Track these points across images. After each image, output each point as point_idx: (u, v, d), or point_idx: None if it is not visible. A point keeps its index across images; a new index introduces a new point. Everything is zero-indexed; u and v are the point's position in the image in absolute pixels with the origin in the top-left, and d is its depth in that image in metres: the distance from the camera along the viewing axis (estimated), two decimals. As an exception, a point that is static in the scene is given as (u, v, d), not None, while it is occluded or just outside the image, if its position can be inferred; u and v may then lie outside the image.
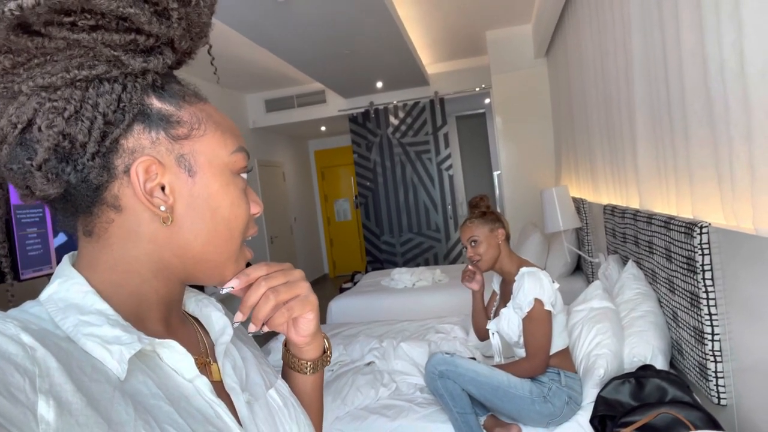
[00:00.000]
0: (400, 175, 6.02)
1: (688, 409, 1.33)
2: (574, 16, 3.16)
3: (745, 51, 1.10)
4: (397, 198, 6.05)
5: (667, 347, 1.77)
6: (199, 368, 0.50)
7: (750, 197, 1.16)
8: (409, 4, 3.84)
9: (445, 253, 6.02)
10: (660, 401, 1.45)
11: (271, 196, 6.50)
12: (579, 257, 3.60)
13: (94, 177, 0.45)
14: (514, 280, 1.82)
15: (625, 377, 1.59)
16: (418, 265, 5.83)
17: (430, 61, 5.52)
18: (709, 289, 1.40)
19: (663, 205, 1.84)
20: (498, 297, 2.04)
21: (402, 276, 4.12)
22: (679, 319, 1.64)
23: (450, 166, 5.96)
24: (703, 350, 1.45)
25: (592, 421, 1.60)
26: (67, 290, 0.46)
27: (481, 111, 6.87)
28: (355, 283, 6.00)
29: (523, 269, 1.81)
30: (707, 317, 1.42)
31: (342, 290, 5.99)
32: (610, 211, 2.49)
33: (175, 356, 0.48)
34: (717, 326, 1.41)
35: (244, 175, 0.54)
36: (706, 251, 1.39)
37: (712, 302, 1.41)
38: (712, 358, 1.42)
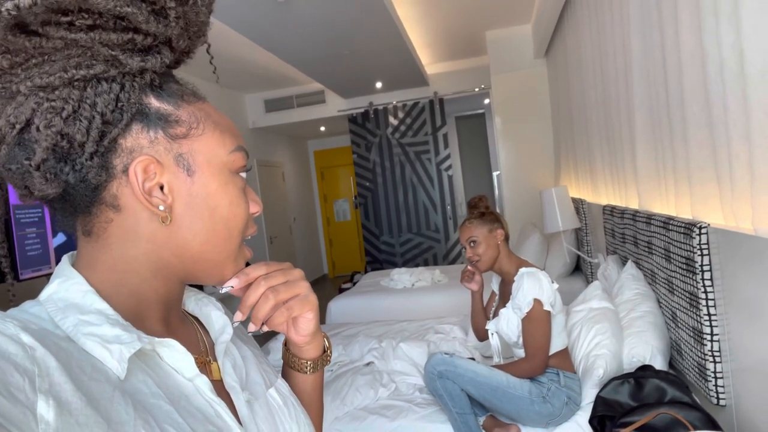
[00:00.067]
0: (400, 175, 6.02)
1: (687, 410, 1.33)
2: (573, 16, 3.16)
3: (744, 52, 1.10)
4: (396, 198, 6.05)
5: (666, 347, 1.77)
6: (199, 367, 0.50)
7: (749, 197, 1.17)
8: (408, 5, 3.84)
9: (444, 253, 6.02)
10: (659, 401, 1.45)
11: (271, 197, 6.50)
12: (578, 257, 3.60)
13: (92, 177, 0.45)
14: (513, 281, 1.82)
15: (624, 377, 1.59)
16: (417, 266, 5.83)
17: (429, 62, 5.52)
18: (708, 289, 1.40)
19: (662, 206, 1.84)
20: (497, 297, 2.04)
21: (401, 276, 4.12)
22: (678, 319, 1.64)
23: (449, 167, 5.96)
24: (702, 351, 1.45)
25: (591, 422, 1.60)
26: (67, 290, 0.46)
27: (481, 111, 6.87)
28: (354, 284, 6.00)
29: (522, 269, 1.81)
30: (706, 318, 1.42)
31: (341, 290, 5.99)
32: (610, 211, 2.49)
33: (175, 355, 0.48)
34: (716, 327, 1.41)
35: (243, 175, 0.54)
36: (705, 252, 1.39)
37: (711, 303, 1.41)
38: (711, 359, 1.42)
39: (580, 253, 3.30)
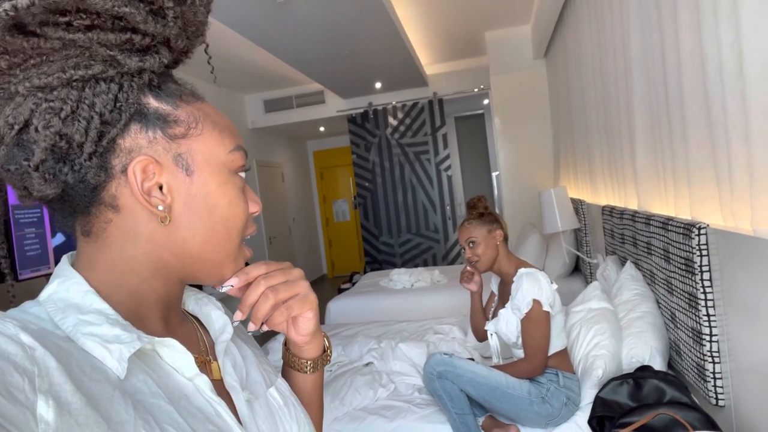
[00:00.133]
0: (399, 175, 6.02)
1: (686, 410, 1.33)
2: (573, 17, 3.16)
3: (743, 52, 1.10)
4: (395, 199, 6.04)
5: (665, 348, 1.77)
6: (199, 367, 0.50)
7: (748, 198, 1.17)
8: (408, 5, 3.84)
9: (443, 253, 6.02)
10: (658, 402, 1.45)
11: (270, 197, 6.50)
12: (577, 258, 3.61)
13: (91, 177, 0.45)
14: (513, 281, 1.83)
15: (623, 378, 1.59)
16: (416, 266, 5.83)
17: (429, 62, 5.52)
18: (707, 290, 1.40)
19: (661, 206, 1.84)
20: (496, 298, 2.04)
21: (400, 277, 4.12)
22: (678, 320, 1.64)
23: (449, 167, 5.96)
24: (701, 351, 1.46)
25: (590, 422, 1.60)
26: (67, 290, 0.46)
27: (480, 112, 6.87)
28: (353, 284, 6.00)
29: (522, 270, 1.81)
30: (705, 318, 1.42)
31: (340, 291, 5.99)
32: (609, 211, 2.49)
33: (175, 355, 0.48)
34: (715, 327, 1.41)
35: (242, 174, 0.54)
36: (704, 252, 1.40)
37: (710, 303, 1.41)
38: (710, 359, 1.42)
39: (579, 253, 3.30)
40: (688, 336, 1.55)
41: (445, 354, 1.86)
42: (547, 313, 1.75)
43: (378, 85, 5.49)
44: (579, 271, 3.69)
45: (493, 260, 1.90)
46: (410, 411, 1.97)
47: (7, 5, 0.38)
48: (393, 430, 1.89)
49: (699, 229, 1.40)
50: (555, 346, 1.81)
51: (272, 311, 0.54)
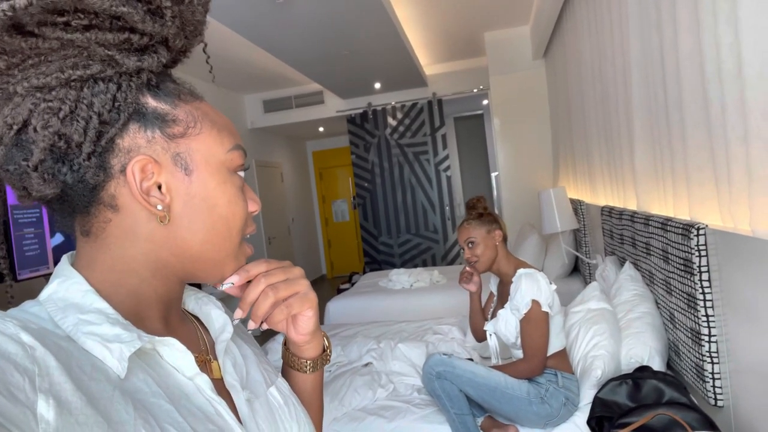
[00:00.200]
0: (398, 176, 6.02)
1: (684, 411, 1.34)
2: (572, 17, 3.16)
3: (742, 53, 1.10)
4: (395, 199, 6.04)
5: (664, 348, 1.77)
6: (199, 366, 0.50)
7: (747, 199, 1.17)
8: (407, 5, 3.84)
9: (442, 254, 6.02)
10: (657, 402, 1.45)
11: (269, 197, 6.50)
12: (576, 258, 3.61)
13: (90, 177, 0.45)
14: (512, 282, 1.83)
15: (622, 378, 1.59)
16: (415, 266, 5.83)
17: (428, 62, 5.53)
18: (706, 290, 1.41)
19: (660, 207, 1.84)
20: (495, 298, 2.04)
21: (400, 277, 4.12)
22: (676, 320, 1.64)
23: (448, 167, 5.96)
24: (699, 351, 1.46)
25: (589, 422, 1.60)
26: (67, 290, 0.46)
27: (479, 112, 6.88)
28: (352, 284, 5.99)
29: (521, 270, 1.81)
30: (704, 319, 1.42)
31: (340, 291, 5.98)
32: (608, 212, 2.49)
33: (175, 354, 0.49)
34: (714, 328, 1.41)
35: (242, 173, 0.54)
36: (703, 253, 1.40)
37: (708, 304, 1.41)
38: (708, 360, 1.42)
39: (578, 254, 3.31)
40: (687, 336, 1.55)
41: (444, 354, 1.86)
42: (546, 313, 1.75)
43: (377, 85, 5.49)
44: (578, 271, 3.70)
45: (492, 261, 1.90)
46: (409, 411, 1.97)
47: (4, 5, 0.38)
48: (392, 430, 1.89)
49: (698, 229, 1.40)
50: (554, 347, 1.81)
51: (272, 309, 0.54)
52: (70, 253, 0.51)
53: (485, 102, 6.25)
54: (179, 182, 0.48)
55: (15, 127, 0.43)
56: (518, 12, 4.24)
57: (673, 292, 1.64)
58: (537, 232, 3.77)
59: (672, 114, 1.59)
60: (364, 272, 6.34)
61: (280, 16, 3.15)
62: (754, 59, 1.08)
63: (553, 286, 1.80)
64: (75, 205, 0.46)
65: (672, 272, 1.61)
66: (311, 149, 8.38)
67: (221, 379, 0.54)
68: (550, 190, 3.15)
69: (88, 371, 0.41)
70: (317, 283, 7.84)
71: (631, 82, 1.95)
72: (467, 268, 1.97)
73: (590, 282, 2.42)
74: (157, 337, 0.47)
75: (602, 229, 2.66)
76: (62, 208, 0.47)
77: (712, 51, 1.26)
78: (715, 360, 1.42)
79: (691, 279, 1.45)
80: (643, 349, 1.74)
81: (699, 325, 1.44)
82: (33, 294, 0.46)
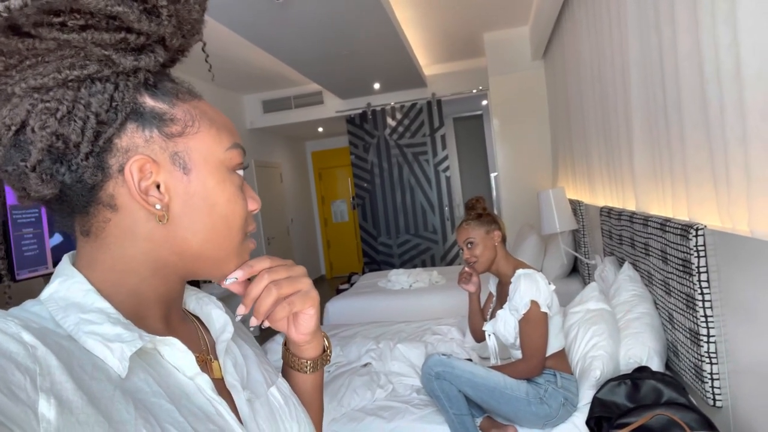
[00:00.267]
0: (398, 176, 6.02)
1: (683, 411, 1.34)
2: (571, 18, 3.17)
3: (741, 53, 1.10)
4: (394, 199, 6.04)
5: (662, 349, 1.77)
6: (200, 366, 0.50)
7: (746, 200, 1.17)
8: (406, 6, 3.84)
9: (442, 254, 6.02)
10: (656, 403, 1.45)
11: (269, 197, 6.50)
12: (575, 259, 3.61)
13: (88, 177, 0.45)
14: (511, 282, 1.83)
15: (620, 379, 1.59)
16: (415, 267, 5.82)
17: (427, 63, 5.53)
18: (705, 291, 1.41)
19: (659, 208, 1.85)
20: (494, 299, 2.04)
21: (399, 277, 4.12)
22: (675, 321, 1.64)
23: (447, 168, 5.96)
24: (698, 352, 1.46)
25: (588, 423, 1.60)
26: (68, 289, 0.46)
27: (479, 113, 6.88)
28: (352, 285, 5.99)
29: (520, 271, 1.81)
30: (703, 319, 1.42)
31: (339, 291, 5.99)
32: (607, 213, 2.49)
33: (176, 354, 0.49)
34: (712, 328, 1.41)
35: (241, 172, 0.54)
36: (701, 253, 1.40)
37: (707, 304, 1.41)
38: (707, 360, 1.43)
39: (577, 254, 3.31)
40: (686, 337, 1.55)
41: (443, 355, 1.86)
42: (545, 314, 1.75)
43: (377, 85, 5.50)
44: (577, 272, 3.70)
45: (491, 261, 1.90)
46: (408, 412, 1.97)
47: (0, 6, 0.38)
48: (391, 430, 1.89)
49: (696, 230, 1.40)
50: (553, 347, 1.81)
51: (275, 306, 0.54)
52: (71, 252, 0.51)
53: (484, 102, 6.26)
54: (178, 181, 0.48)
55: (13, 128, 0.43)
56: (517, 12, 4.24)
57: (671, 293, 1.64)
58: (536, 232, 3.77)
59: (671, 114, 1.59)
60: (363, 273, 6.34)
61: (279, 15, 3.15)
62: (753, 60, 1.08)
63: (552, 287, 1.80)
64: (74, 205, 0.46)
65: (671, 273, 1.62)
66: (310, 149, 8.38)
67: (222, 379, 0.54)
68: (549, 191, 3.16)
69: (89, 371, 0.41)
70: (316, 284, 7.84)
71: (630, 83, 1.95)
72: (466, 269, 1.97)
73: (589, 282, 2.42)
74: (158, 337, 0.47)
75: (601, 230, 2.66)
76: (61, 208, 0.47)
77: (711, 51, 1.26)
78: (714, 360, 1.42)
79: (690, 279, 1.45)
80: (641, 349, 1.75)
81: (698, 325, 1.44)
82: (32, 294, 0.46)
